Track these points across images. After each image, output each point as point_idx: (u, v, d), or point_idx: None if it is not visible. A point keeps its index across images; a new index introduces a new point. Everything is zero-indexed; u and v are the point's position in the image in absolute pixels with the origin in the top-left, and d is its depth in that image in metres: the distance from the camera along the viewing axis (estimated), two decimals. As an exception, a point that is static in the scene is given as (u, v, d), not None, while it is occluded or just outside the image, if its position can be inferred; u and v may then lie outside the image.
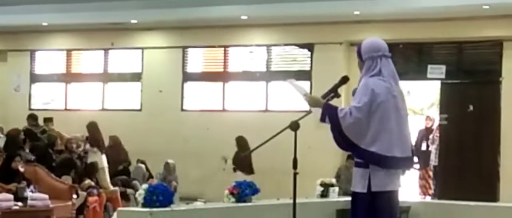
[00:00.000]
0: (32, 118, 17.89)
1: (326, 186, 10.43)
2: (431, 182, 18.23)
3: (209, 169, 18.14)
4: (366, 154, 6.44)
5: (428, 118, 19.50)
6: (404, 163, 6.60)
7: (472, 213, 12.85)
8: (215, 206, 9.36)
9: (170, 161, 16.43)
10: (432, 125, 18.81)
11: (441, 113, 17.77)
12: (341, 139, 6.49)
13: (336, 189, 10.59)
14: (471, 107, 17.01)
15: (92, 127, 16.06)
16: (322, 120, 6.54)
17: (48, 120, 17.84)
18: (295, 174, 6.74)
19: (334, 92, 6.69)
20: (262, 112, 18.37)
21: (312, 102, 6.63)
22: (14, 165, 12.58)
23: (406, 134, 6.65)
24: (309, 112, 6.74)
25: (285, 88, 7.23)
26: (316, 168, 13.42)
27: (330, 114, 6.47)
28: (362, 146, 6.44)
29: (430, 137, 18.44)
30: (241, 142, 15.61)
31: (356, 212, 6.61)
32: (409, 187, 18.26)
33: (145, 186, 8.41)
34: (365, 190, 6.48)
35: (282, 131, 6.78)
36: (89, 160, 15.25)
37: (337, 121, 6.43)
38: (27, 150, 15.00)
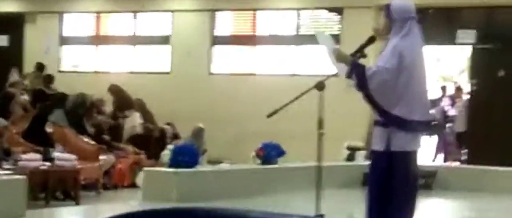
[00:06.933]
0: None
1: (352, 150, 10.40)
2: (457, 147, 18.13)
3: (237, 133, 18.13)
4: (387, 116, 6.39)
5: (457, 89, 19.21)
6: (423, 127, 6.54)
7: (500, 178, 12.81)
8: (240, 167, 9.38)
9: (199, 125, 16.41)
10: (460, 93, 18.66)
11: (471, 78, 17.61)
12: (365, 98, 6.43)
13: (363, 152, 10.57)
14: (502, 73, 16.84)
15: (117, 89, 16.31)
16: (349, 76, 6.46)
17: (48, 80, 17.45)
18: (320, 134, 6.69)
19: (360, 52, 6.62)
20: (290, 76, 18.29)
21: (340, 57, 6.54)
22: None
23: (426, 97, 6.62)
24: (335, 75, 6.66)
25: (315, 41, 7.05)
26: (342, 133, 13.31)
27: (357, 72, 6.41)
28: (385, 108, 6.39)
29: (457, 103, 18.31)
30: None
31: (374, 170, 6.55)
32: (434, 152, 18.26)
33: (171, 146, 8.42)
34: (383, 149, 6.43)
35: (308, 90, 6.73)
36: (129, 123, 15.42)
37: (364, 80, 6.35)
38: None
